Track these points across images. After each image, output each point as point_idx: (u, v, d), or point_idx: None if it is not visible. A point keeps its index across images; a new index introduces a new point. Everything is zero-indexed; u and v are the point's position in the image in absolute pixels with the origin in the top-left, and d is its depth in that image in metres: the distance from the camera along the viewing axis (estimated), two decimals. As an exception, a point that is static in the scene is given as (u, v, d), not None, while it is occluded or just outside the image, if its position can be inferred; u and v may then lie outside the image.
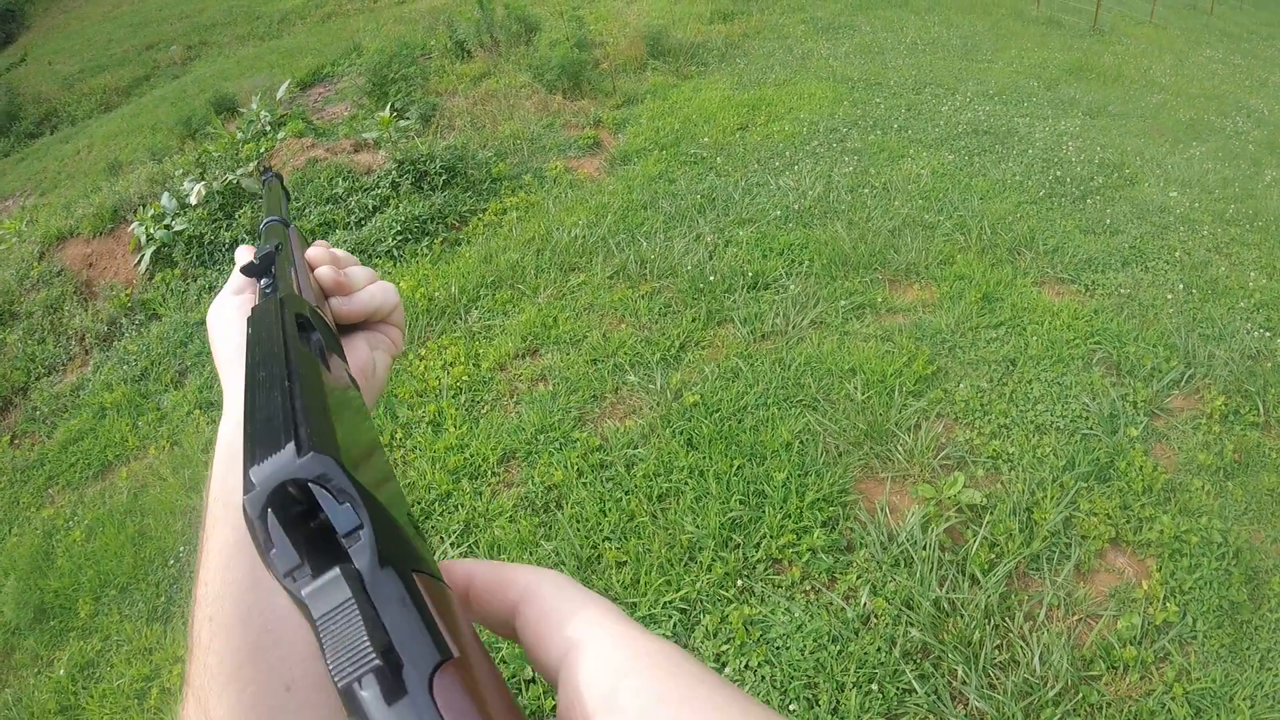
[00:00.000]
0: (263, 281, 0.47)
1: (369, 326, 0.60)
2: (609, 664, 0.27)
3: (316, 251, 0.59)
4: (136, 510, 3.76)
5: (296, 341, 0.37)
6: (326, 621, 0.24)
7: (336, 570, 0.24)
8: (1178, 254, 4.42)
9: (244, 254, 0.58)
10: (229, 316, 0.56)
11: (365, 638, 0.23)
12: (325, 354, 0.41)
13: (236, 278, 0.58)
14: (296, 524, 0.26)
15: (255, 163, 5.74)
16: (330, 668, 0.23)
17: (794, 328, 3.78)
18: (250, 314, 0.41)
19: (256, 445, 0.28)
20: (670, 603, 2.55)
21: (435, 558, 0.29)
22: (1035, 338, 3.63)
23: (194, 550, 3.39)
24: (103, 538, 3.65)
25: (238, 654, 0.41)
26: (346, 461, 0.27)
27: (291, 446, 0.27)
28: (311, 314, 0.44)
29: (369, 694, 0.22)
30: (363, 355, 0.57)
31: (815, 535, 2.69)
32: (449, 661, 0.23)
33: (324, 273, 0.56)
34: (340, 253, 0.61)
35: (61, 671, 3.12)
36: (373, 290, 0.59)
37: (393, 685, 0.22)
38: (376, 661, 0.22)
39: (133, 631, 3.16)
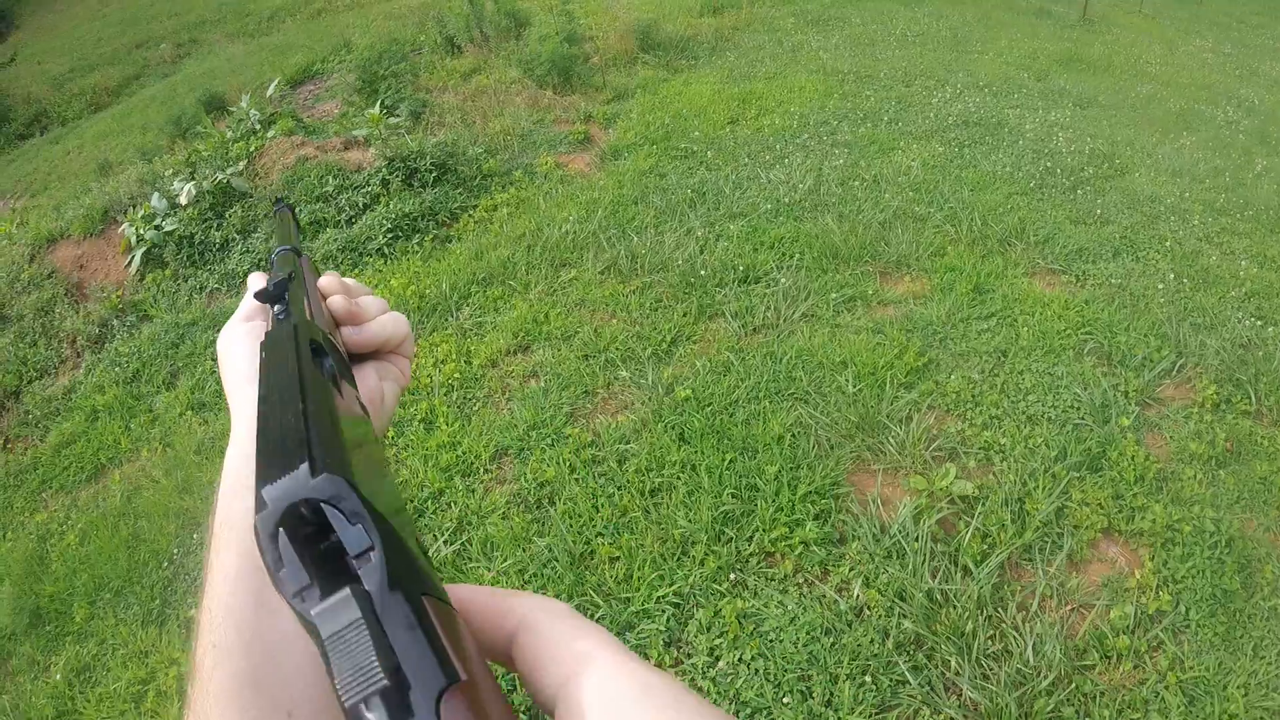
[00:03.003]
0: (275, 308, 0.47)
1: (379, 356, 0.61)
2: (608, 694, 0.27)
3: (329, 281, 0.59)
4: (130, 513, 3.75)
5: (310, 365, 0.38)
6: (335, 641, 0.24)
7: (347, 590, 0.25)
8: (1168, 243, 4.43)
9: (257, 280, 0.59)
10: (239, 342, 0.56)
11: (374, 658, 0.23)
12: (337, 380, 0.41)
13: (248, 304, 0.59)
14: (306, 545, 0.27)
15: (245, 161, 5.71)
16: (338, 687, 0.23)
17: (785, 321, 3.78)
18: (264, 339, 0.42)
19: (269, 464, 0.28)
20: (663, 597, 2.55)
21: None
22: (1026, 328, 3.63)
23: (188, 553, 3.39)
24: (97, 541, 3.64)
25: (239, 679, 0.41)
26: (358, 484, 0.27)
27: (305, 467, 0.27)
28: (325, 340, 0.45)
29: (375, 716, 0.22)
30: (371, 384, 0.58)
31: (807, 528, 2.69)
32: (456, 685, 0.23)
33: (336, 302, 0.56)
34: (352, 282, 0.62)
35: (58, 676, 3.10)
36: (384, 320, 0.59)
37: (399, 708, 0.22)
38: (384, 682, 0.22)
39: (128, 635, 3.15)
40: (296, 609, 0.25)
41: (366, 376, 0.58)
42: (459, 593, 0.32)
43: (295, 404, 0.32)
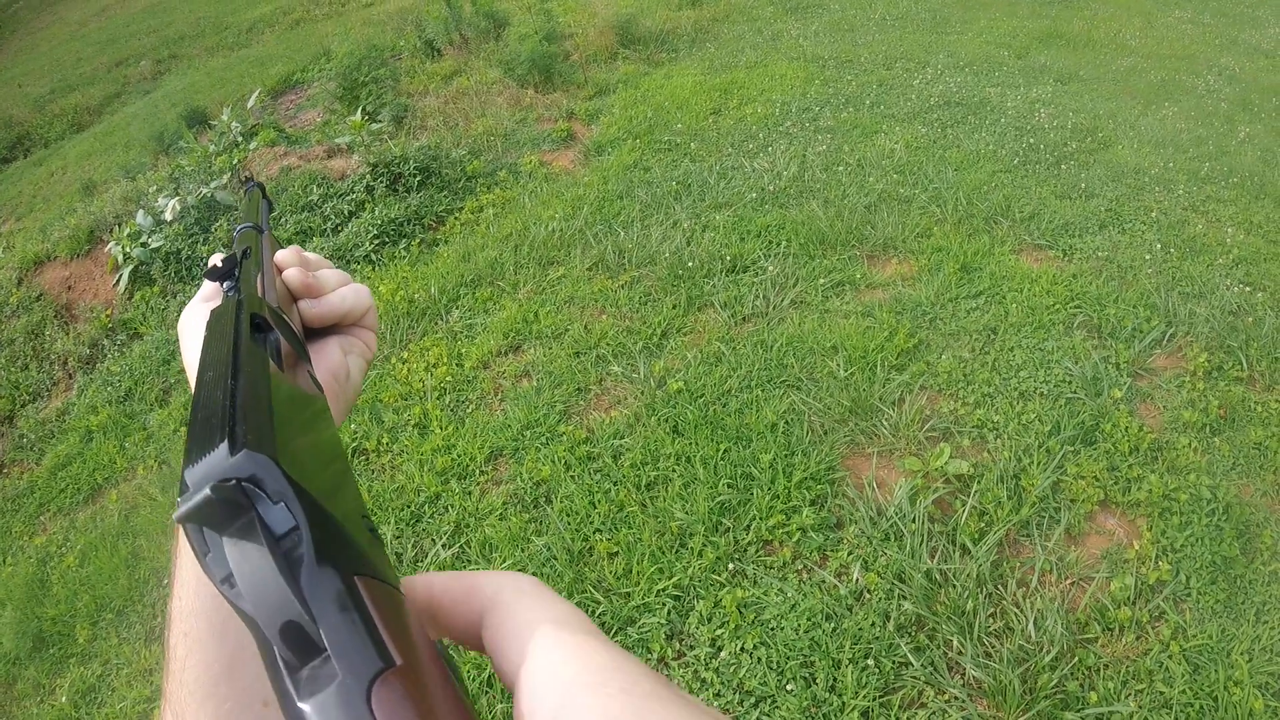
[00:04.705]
0: (226, 285, 0.47)
1: (342, 330, 0.60)
2: (559, 678, 0.26)
3: (285, 254, 0.58)
4: (128, 532, 3.74)
5: (247, 340, 0.36)
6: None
7: None
8: (1154, 214, 4.43)
9: (216, 260, 0.58)
10: (196, 323, 0.55)
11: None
12: (284, 356, 0.40)
13: (207, 285, 0.58)
14: None
15: (229, 175, 5.69)
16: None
17: (774, 309, 3.77)
18: (209, 316, 0.41)
19: (193, 445, 0.27)
20: (663, 590, 2.55)
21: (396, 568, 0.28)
22: (1015, 305, 3.63)
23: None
24: (96, 562, 3.63)
25: (213, 670, 0.41)
26: (287, 461, 0.26)
27: (224, 445, 0.26)
28: (271, 315, 0.43)
29: (307, 706, 0.22)
30: (335, 359, 0.57)
31: (804, 514, 2.69)
32: (391, 670, 0.22)
33: (291, 275, 0.55)
34: (311, 255, 0.60)
35: (64, 698, 3.10)
36: (343, 293, 0.58)
37: (330, 695, 0.22)
38: (308, 670, 0.22)
39: (131, 654, 3.14)
40: (225, 595, 0.25)
41: (329, 351, 0.57)
42: (419, 581, 0.31)
43: (225, 381, 0.31)
